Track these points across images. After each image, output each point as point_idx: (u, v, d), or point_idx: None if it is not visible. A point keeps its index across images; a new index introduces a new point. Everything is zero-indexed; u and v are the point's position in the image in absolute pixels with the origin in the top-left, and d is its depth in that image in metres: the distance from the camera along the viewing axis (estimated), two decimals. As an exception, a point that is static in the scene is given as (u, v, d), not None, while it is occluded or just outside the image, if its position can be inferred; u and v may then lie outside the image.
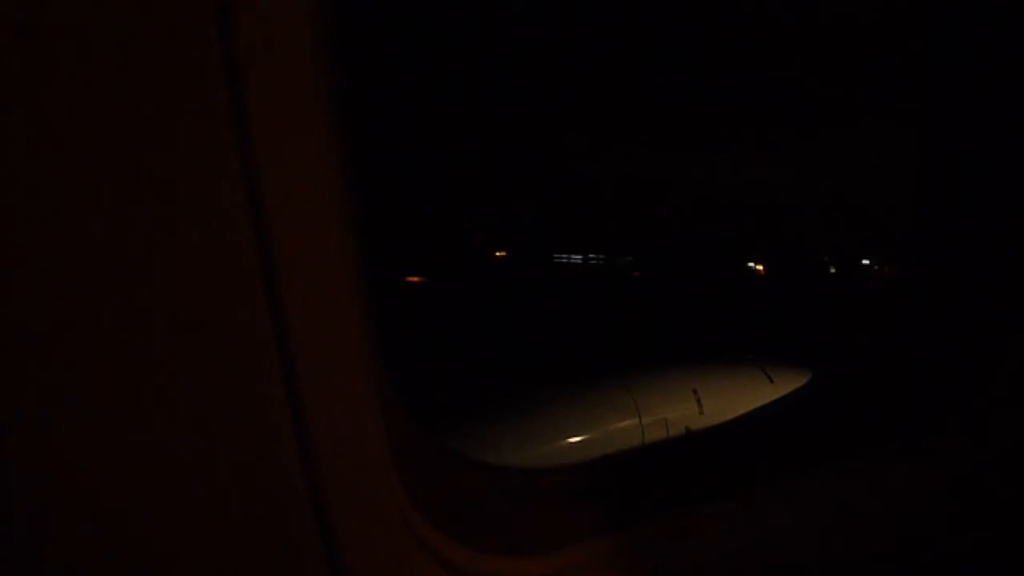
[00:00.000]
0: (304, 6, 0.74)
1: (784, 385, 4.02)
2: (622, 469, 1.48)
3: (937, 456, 1.55)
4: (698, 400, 4.09)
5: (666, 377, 4.29)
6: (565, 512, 1.23)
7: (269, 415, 0.77)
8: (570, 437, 4.06)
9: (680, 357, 4.55)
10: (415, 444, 1.05)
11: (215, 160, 0.70)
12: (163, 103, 0.67)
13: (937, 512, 1.52)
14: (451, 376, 4.73)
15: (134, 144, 0.67)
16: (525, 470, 1.59)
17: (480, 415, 4.12)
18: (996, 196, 1.59)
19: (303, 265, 0.77)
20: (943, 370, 1.67)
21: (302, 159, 0.76)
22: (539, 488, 1.30)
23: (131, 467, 0.72)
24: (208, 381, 0.73)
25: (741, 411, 4.06)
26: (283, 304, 0.75)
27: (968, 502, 1.55)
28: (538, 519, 1.22)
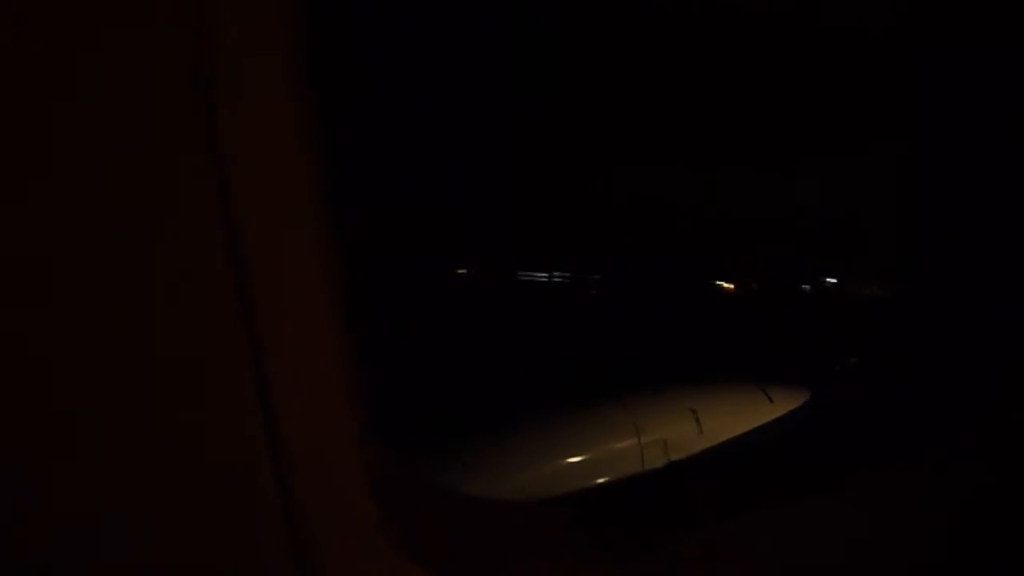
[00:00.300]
0: (280, 10, 0.74)
1: (783, 404, 4.03)
2: (606, 503, 1.47)
3: (938, 476, 1.56)
4: (697, 420, 4.08)
5: (664, 396, 4.27)
6: (550, 548, 1.21)
7: (244, 441, 0.75)
8: (568, 458, 4.01)
9: (677, 376, 4.54)
10: (394, 476, 1.03)
11: (189, 165, 0.70)
12: (135, 110, 0.66)
13: (938, 533, 1.52)
14: (440, 396, 4.66)
15: (106, 147, 0.66)
16: (506, 503, 1.56)
17: (474, 437, 4.06)
18: (995, 210, 1.61)
19: (277, 278, 0.75)
20: (941, 384, 1.68)
21: (277, 166, 0.75)
22: (522, 523, 1.29)
23: (107, 470, 0.70)
24: (179, 399, 0.72)
25: (740, 431, 4.06)
26: (256, 318, 0.74)
27: (971, 522, 1.56)
28: (520, 554, 1.20)
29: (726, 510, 1.37)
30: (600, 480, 4.02)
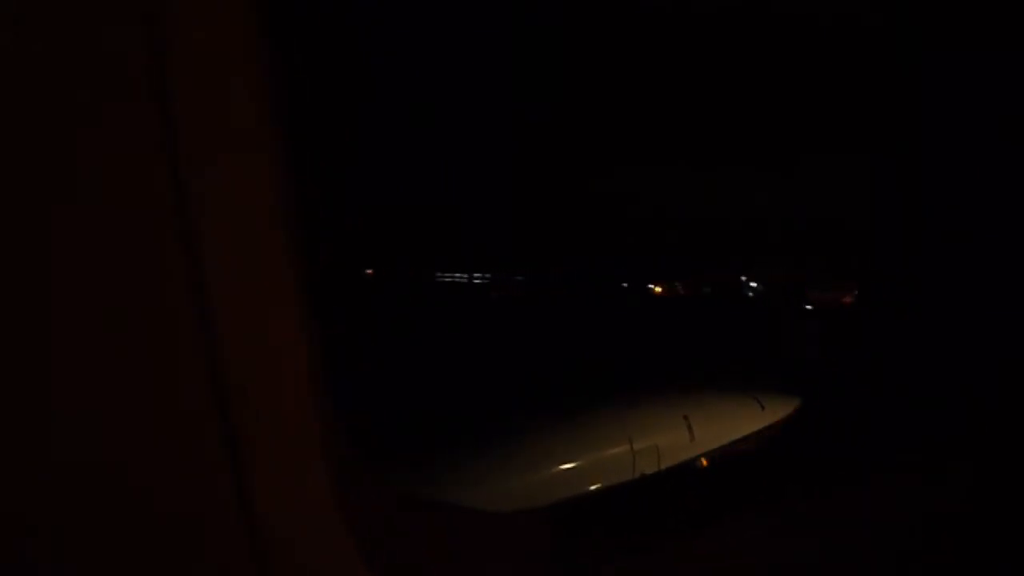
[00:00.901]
0: (234, 8, 0.72)
1: (774, 411, 4.11)
2: (583, 510, 1.47)
3: (931, 479, 1.60)
4: (689, 427, 4.10)
5: (656, 403, 4.28)
6: (522, 555, 1.20)
7: (202, 446, 0.72)
8: (560, 465, 3.97)
9: (670, 383, 4.57)
10: (361, 483, 1.00)
11: (143, 165, 0.67)
12: (88, 105, 0.65)
13: (930, 535, 1.56)
14: (430, 403, 4.54)
15: (61, 143, 0.65)
16: (476, 511, 1.55)
17: (465, 445, 3.96)
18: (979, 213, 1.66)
19: (239, 282, 0.73)
20: (934, 387, 1.73)
21: (238, 167, 0.73)
22: (495, 530, 1.27)
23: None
24: (133, 403, 0.69)
25: (732, 437, 4.12)
26: (216, 322, 0.71)
27: (967, 524, 1.60)
28: (491, 561, 1.18)
29: (704, 514, 1.36)
30: (592, 487, 4.00)
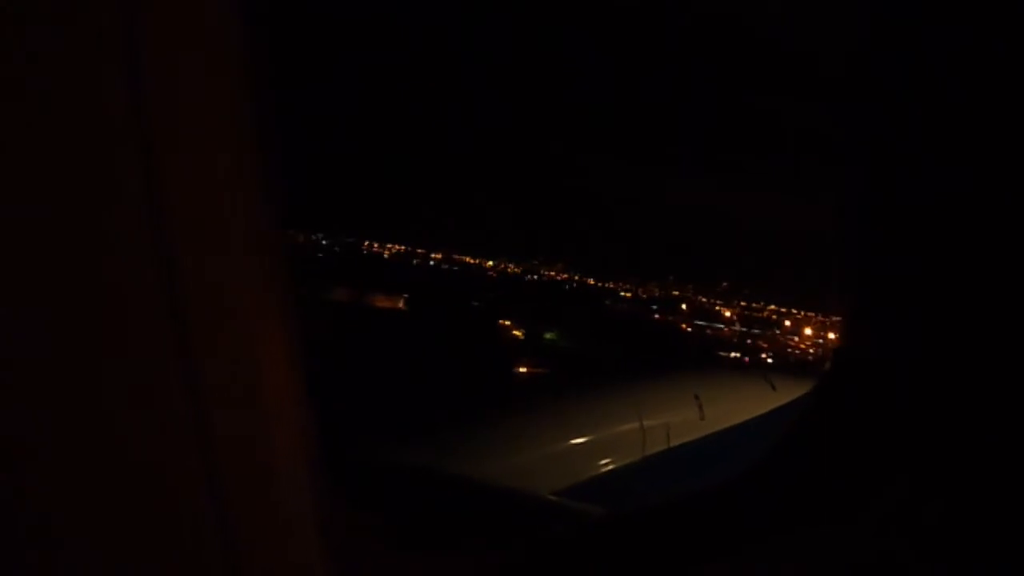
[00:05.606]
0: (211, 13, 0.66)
1: (787, 392, 4.08)
2: (564, 553, 1.44)
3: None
4: (700, 406, 4.09)
5: (668, 381, 4.27)
6: None
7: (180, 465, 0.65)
8: (571, 440, 3.98)
9: (683, 362, 4.55)
10: (343, 525, 0.96)
11: (120, 168, 0.62)
12: (51, 83, 0.60)
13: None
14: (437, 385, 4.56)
15: (18, 126, 0.60)
16: (461, 556, 1.52)
17: (474, 418, 3.98)
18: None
19: (219, 305, 0.66)
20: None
21: (212, 163, 0.66)
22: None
23: None
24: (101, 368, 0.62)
25: (742, 417, 4.10)
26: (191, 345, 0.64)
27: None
28: None
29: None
30: (602, 462, 4.01)
